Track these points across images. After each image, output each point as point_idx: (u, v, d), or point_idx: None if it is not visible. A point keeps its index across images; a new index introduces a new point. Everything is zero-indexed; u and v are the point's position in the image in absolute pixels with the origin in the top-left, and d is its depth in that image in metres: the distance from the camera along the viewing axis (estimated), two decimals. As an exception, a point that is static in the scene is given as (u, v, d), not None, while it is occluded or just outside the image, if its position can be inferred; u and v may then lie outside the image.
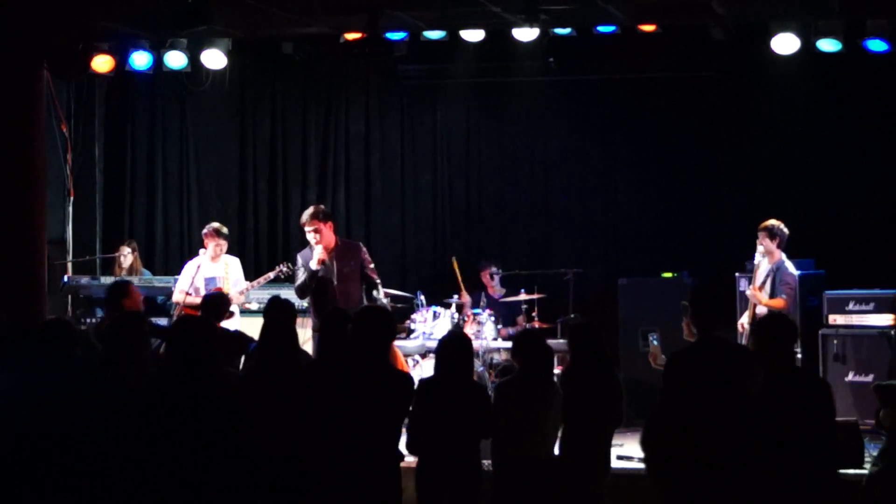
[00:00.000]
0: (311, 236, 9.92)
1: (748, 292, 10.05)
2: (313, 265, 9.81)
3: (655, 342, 8.18)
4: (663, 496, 6.52)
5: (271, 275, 10.82)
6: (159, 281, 11.76)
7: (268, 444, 6.17)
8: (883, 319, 10.44)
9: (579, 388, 6.88)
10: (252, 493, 6.09)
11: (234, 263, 10.83)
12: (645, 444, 6.57)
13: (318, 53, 12.40)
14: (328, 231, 9.97)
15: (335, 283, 9.83)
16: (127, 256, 12.11)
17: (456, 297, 11.29)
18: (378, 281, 10.04)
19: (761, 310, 10.01)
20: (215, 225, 10.86)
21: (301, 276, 9.98)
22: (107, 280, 11.70)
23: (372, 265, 10.09)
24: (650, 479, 6.59)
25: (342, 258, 9.92)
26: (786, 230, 10.16)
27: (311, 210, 10.07)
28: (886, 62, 11.03)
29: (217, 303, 8.76)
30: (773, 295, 10.00)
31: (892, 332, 10.36)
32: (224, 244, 10.71)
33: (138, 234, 13.29)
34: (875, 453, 7.80)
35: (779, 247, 10.08)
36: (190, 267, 10.72)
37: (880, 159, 11.90)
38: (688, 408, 6.34)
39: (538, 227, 13.03)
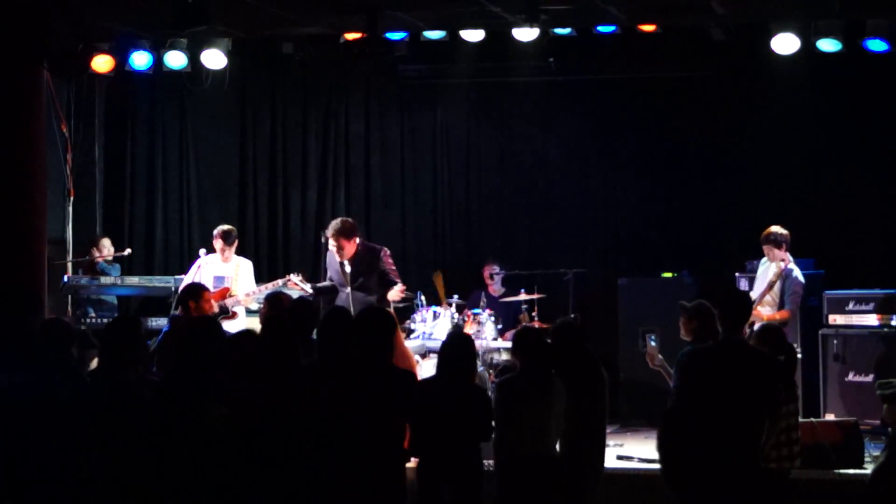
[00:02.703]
0: (333, 249, 10.00)
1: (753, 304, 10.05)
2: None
3: (653, 343, 8.21)
4: (676, 495, 6.54)
5: (280, 282, 10.82)
6: (159, 281, 11.77)
7: (269, 442, 6.17)
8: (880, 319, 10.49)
9: (571, 388, 6.92)
10: (254, 493, 6.09)
11: (246, 265, 10.85)
12: (661, 442, 6.59)
13: (318, 53, 12.39)
14: (350, 246, 10.00)
15: (349, 291, 9.87)
16: (107, 247, 12.13)
17: (456, 297, 11.30)
18: (394, 281, 10.01)
19: (763, 310, 10.02)
20: (222, 228, 10.86)
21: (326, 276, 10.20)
22: (107, 280, 11.71)
23: (392, 268, 10.08)
24: (664, 477, 6.62)
25: (358, 265, 9.96)
26: (786, 232, 10.16)
27: (337, 225, 10.10)
28: (886, 62, 11.03)
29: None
30: (781, 302, 10.00)
31: (885, 331, 10.38)
32: (228, 248, 10.70)
33: (138, 234, 13.29)
34: (875, 453, 7.82)
35: (787, 250, 10.08)
36: (201, 261, 10.76)
37: (880, 159, 11.90)
38: (708, 407, 6.35)
39: (538, 227, 13.02)
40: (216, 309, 10.19)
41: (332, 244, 10.06)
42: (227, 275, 10.66)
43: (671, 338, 8.51)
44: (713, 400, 6.34)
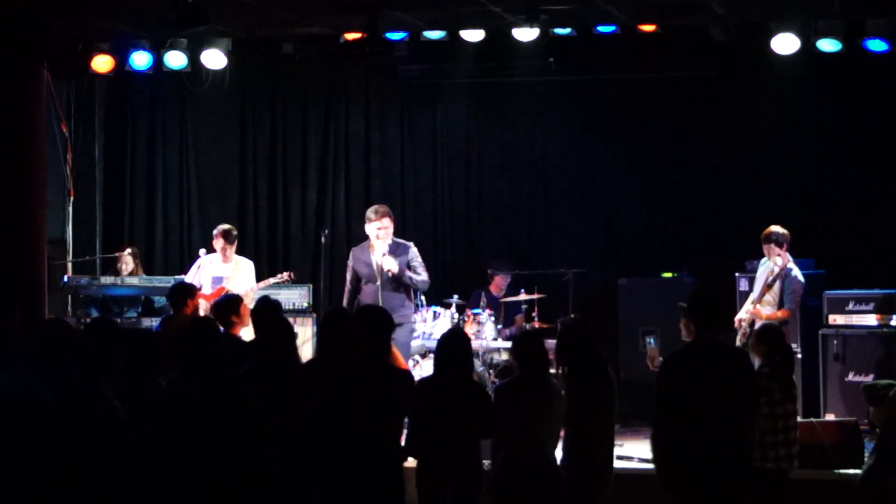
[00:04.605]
0: (378, 233, 9.98)
1: (749, 310, 10.02)
2: (386, 263, 9.91)
3: (653, 344, 8.23)
4: (671, 496, 6.54)
5: (271, 280, 10.84)
6: (159, 281, 11.75)
7: (269, 441, 6.19)
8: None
9: (578, 388, 6.89)
10: (254, 491, 6.10)
11: (245, 265, 10.85)
12: (653, 445, 6.61)
13: (318, 53, 12.40)
14: (392, 230, 10.09)
15: (379, 283, 9.88)
16: (128, 263, 12.08)
17: (456, 297, 11.31)
18: (419, 273, 10.06)
19: (763, 309, 10.01)
20: (222, 227, 10.86)
21: (349, 274, 10.21)
22: (107, 280, 11.70)
23: (422, 264, 10.15)
24: (659, 479, 6.62)
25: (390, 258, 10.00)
26: (787, 232, 10.16)
27: (383, 208, 10.20)
28: (886, 62, 11.04)
29: (226, 307, 8.46)
30: (780, 301, 9.99)
31: (885, 331, 10.38)
32: (228, 247, 10.70)
33: (138, 234, 13.30)
34: (872, 452, 7.82)
35: (786, 250, 10.08)
36: (201, 260, 10.77)
37: (880, 159, 11.90)
38: (688, 408, 6.36)
39: (538, 227, 13.03)
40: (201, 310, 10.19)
41: (378, 225, 10.02)
42: (225, 275, 10.67)
43: (671, 338, 8.53)
44: (692, 400, 6.35)
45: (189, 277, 10.68)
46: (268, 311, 7.71)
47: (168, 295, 9.15)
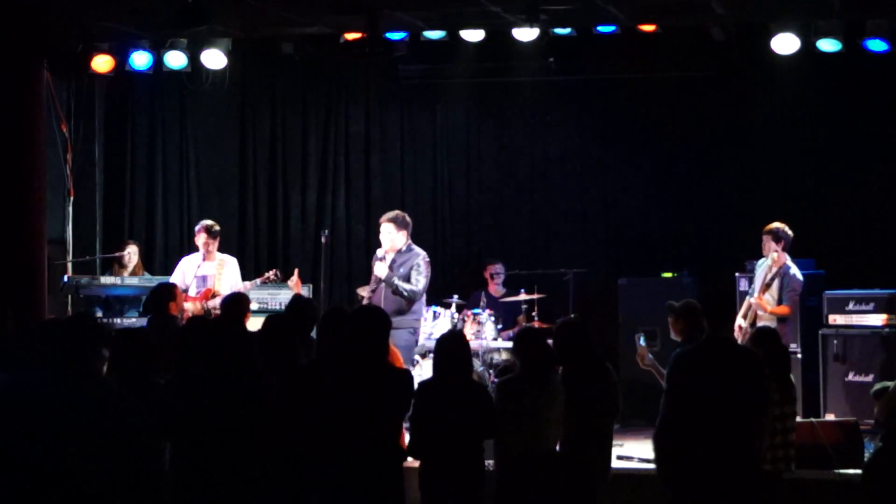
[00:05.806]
0: (382, 237, 10.07)
1: (753, 300, 10.03)
2: (376, 269, 10.02)
3: (643, 342, 8.24)
4: (673, 496, 6.54)
5: (258, 281, 10.79)
6: (160, 281, 11.74)
7: (269, 442, 6.18)
8: (880, 319, 10.48)
9: (575, 385, 6.91)
10: (253, 492, 6.09)
11: (231, 264, 10.77)
12: (656, 444, 6.61)
13: (318, 53, 12.40)
14: (399, 238, 10.06)
15: (383, 285, 9.90)
16: (132, 256, 12.08)
17: (456, 297, 11.30)
18: (410, 282, 9.93)
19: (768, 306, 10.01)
20: (205, 222, 10.81)
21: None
22: (107, 280, 11.70)
23: (421, 274, 9.99)
24: (660, 478, 6.62)
25: (396, 264, 9.99)
26: (790, 232, 10.16)
27: (391, 213, 10.24)
28: (886, 62, 11.04)
29: (234, 303, 8.49)
30: (779, 300, 9.99)
31: (886, 331, 10.38)
32: (212, 242, 10.61)
33: (138, 234, 13.28)
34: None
35: (784, 249, 10.08)
36: (183, 263, 10.73)
37: (880, 159, 11.90)
38: (696, 408, 6.35)
39: (538, 227, 13.03)
40: (193, 310, 10.15)
41: (382, 230, 10.07)
42: (209, 273, 10.56)
43: (671, 338, 8.53)
44: (701, 399, 6.34)
45: (177, 278, 10.64)
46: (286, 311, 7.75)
47: (149, 297, 9.10)
